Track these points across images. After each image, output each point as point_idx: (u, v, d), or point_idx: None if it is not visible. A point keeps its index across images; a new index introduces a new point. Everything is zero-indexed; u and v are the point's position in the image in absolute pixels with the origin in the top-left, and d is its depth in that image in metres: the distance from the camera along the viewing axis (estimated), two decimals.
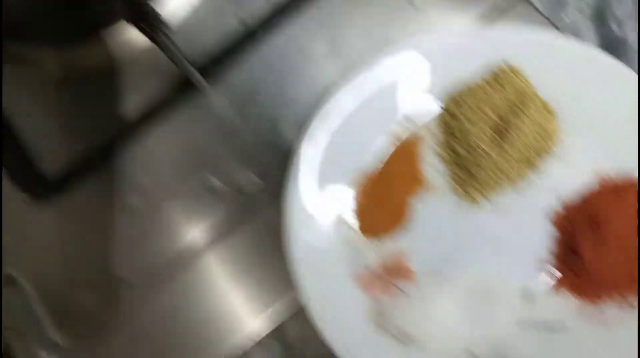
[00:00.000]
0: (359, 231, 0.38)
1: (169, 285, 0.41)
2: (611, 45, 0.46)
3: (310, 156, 0.38)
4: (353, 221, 0.39)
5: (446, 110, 0.40)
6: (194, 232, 0.42)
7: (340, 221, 0.38)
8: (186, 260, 0.42)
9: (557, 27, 0.45)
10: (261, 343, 0.41)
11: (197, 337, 0.41)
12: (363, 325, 0.36)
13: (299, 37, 0.44)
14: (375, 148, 0.39)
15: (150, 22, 0.40)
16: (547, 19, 0.45)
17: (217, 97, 0.44)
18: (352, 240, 0.38)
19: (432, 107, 0.40)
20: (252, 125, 0.43)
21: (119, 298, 0.41)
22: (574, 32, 0.46)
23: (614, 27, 0.47)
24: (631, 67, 0.44)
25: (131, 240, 0.42)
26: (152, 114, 0.44)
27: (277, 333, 0.42)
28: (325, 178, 0.38)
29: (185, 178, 0.43)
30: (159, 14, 0.41)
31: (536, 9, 0.44)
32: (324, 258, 0.37)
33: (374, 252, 0.38)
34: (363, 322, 0.37)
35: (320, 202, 0.38)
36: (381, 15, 0.44)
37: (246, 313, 0.41)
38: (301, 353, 0.41)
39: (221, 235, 0.42)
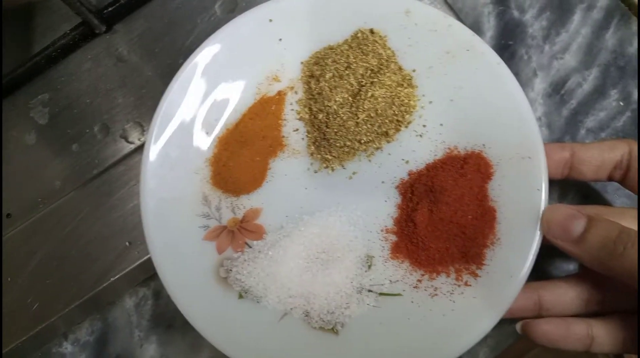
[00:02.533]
0: (214, 185, 0.39)
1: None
2: (506, 27, 0.47)
3: (173, 104, 0.38)
4: (209, 173, 0.39)
5: (308, 70, 0.40)
6: (78, 170, 0.44)
7: (197, 173, 0.38)
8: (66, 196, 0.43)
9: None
10: (135, 290, 0.43)
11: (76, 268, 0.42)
12: (207, 280, 0.37)
13: None
14: (238, 102, 0.40)
15: None
16: None
17: (116, 44, 0.45)
18: (207, 193, 0.39)
19: (295, 66, 0.40)
20: (149, 71, 0.44)
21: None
22: (472, 7, 0.47)
23: (514, 10, 0.47)
24: (527, 53, 0.44)
25: (20, 176, 0.44)
26: (56, 57, 0.45)
27: (150, 282, 0.43)
28: (186, 126, 0.38)
29: (81, 121, 0.44)
30: None
31: None
32: (176, 210, 0.37)
33: (228, 207, 0.39)
34: (208, 277, 0.37)
35: (180, 151, 0.38)
36: None
37: (121, 256, 0.42)
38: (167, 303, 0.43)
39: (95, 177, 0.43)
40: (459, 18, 0.45)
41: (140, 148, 0.37)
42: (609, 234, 0.31)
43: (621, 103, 0.45)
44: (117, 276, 0.40)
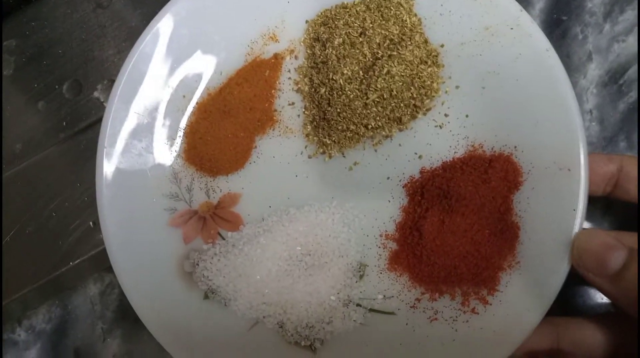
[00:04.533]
0: (187, 161, 0.33)
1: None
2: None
3: (145, 58, 0.32)
4: (183, 146, 0.33)
5: (314, 32, 0.33)
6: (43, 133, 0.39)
7: (168, 144, 0.33)
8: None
9: None
10: (100, 275, 0.39)
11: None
12: (168, 274, 0.32)
13: None
14: (225, 62, 0.33)
15: None
16: None
17: None
18: (177, 169, 0.33)
19: (299, 24, 0.34)
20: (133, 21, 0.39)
21: None
22: None
23: None
24: (583, 31, 0.37)
25: None
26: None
27: None
28: (159, 85, 0.32)
29: (50, 75, 0.39)
30: None
31: None
32: (139, 187, 0.32)
33: (201, 189, 0.33)
34: (170, 271, 0.32)
35: (149, 115, 0.32)
36: None
37: (85, 237, 0.37)
38: None
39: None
40: None
41: None
42: None
43: None
44: (79, 260, 0.35)
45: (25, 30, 0.38)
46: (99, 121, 0.35)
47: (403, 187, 0.33)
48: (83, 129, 0.37)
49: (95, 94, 0.37)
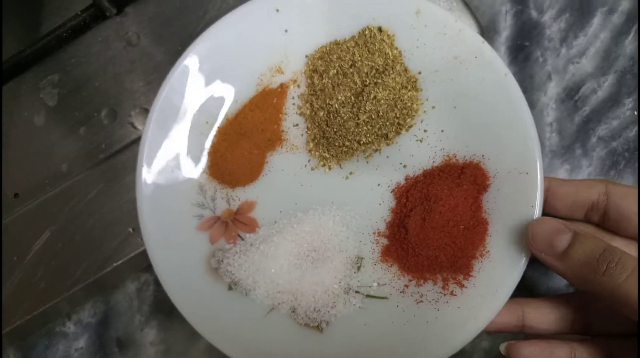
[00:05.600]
0: (211, 176, 0.39)
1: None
2: (524, 27, 0.45)
3: (174, 91, 0.38)
4: (207, 163, 0.39)
5: (312, 65, 0.39)
6: (85, 154, 0.45)
7: (195, 162, 0.39)
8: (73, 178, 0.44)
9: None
10: (137, 275, 0.44)
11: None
12: (198, 270, 0.38)
13: None
14: (240, 92, 0.39)
15: None
16: None
17: (126, 27, 0.45)
18: (203, 182, 0.39)
19: (300, 59, 0.40)
20: (159, 57, 0.45)
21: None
22: (489, 6, 0.45)
23: (532, 10, 0.45)
24: (543, 55, 0.43)
25: (28, 157, 0.45)
26: (67, 38, 0.46)
27: (152, 269, 0.45)
28: (186, 114, 0.38)
29: (89, 105, 0.45)
30: None
31: None
32: (172, 198, 0.38)
33: (223, 198, 0.39)
34: (199, 267, 0.38)
35: (178, 139, 0.38)
36: None
37: (125, 242, 0.42)
38: None
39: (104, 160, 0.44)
40: (474, 16, 0.43)
41: None
42: (593, 251, 0.30)
43: (635, 112, 0.43)
44: (120, 262, 0.41)
45: (65, 66, 0.44)
46: (133, 143, 0.42)
47: (391, 192, 0.39)
48: (119, 150, 0.43)
49: (129, 119, 0.44)
